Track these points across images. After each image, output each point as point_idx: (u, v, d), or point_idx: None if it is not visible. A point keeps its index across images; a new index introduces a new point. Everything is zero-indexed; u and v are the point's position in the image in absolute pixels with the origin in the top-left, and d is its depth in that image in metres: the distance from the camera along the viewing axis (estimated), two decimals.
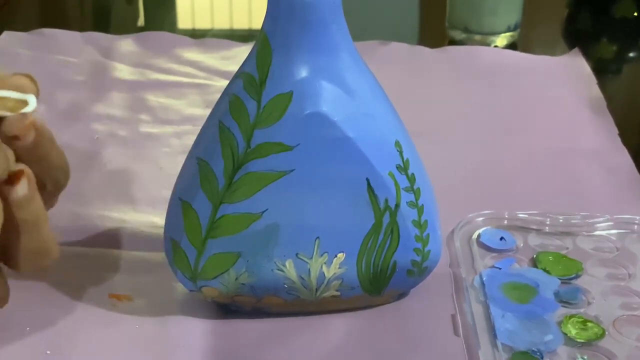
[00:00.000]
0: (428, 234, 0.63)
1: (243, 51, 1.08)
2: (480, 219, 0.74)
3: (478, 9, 1.13)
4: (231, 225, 0.60)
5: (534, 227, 0.74)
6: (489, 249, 0.71)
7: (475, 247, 0.71)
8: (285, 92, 0.57)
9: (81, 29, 1.12)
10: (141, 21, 1.27)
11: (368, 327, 0.64)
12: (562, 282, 0.67)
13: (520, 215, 0.74)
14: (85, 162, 0.85)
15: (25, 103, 0.55)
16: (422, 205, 0.62)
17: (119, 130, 0.92)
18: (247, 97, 0.58)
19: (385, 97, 0.62)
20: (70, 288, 0.67)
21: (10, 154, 0.54)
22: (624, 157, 0.86)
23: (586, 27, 1.27)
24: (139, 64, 1.06)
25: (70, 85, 1.01)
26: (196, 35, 1.14)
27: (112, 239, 0.74)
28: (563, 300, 0.66)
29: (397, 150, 0.60)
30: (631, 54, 1.21)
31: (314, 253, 0.61)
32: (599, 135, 0.91)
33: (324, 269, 0.62)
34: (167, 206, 0.63)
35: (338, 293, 0.63)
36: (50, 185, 0.60)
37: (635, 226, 0.73)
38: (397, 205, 0.60)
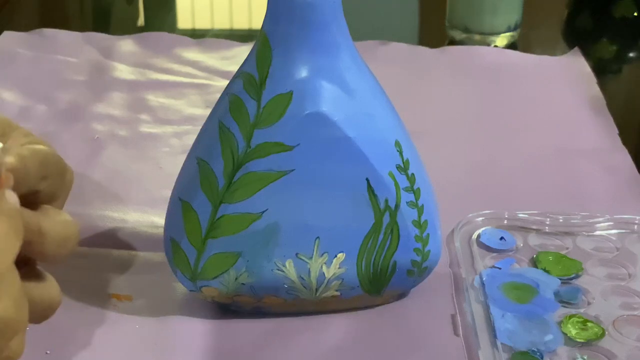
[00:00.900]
0: (428, 234, 0.63)
1: (243, 51, 1.08)
2: (480, 219, 0.74)
3: (478, 8, 1.13)
4: (231, 225, 0.60)
5: (534, 227, 0.74)
6: (489, 249, 0.71)
7: (475, 247, 0.71)
8: (285, 92, 0.57)
9: (81, 29, 1.12)
10: (141, 21, 1.27)
11: (368, 327, 0.64)
12: (562, 282, 0.67)
13: (520, 215, 0.74)
14: (85, 162, 0.85)
15: None
16: (422, 205, 0.62)
17: (119, 130, 0.92)
18: (247, 97, 0.58)
19: (385, 97, 0.62)
20: (70, 288, 0.66)
21: None
22: (624, 157, 0.86)
23: (586, 27, 1.27)
24: (139, 64, 1.06)
25: (70, 85, 1.01)
26: (196, 35, 1.14)
27: (112, 239, 0.74)
28: (563, 300, 0.65)
29: (397, 150, 0.60)
30: (631, 54, 1.21)
31: (314, 253, 0.61)
32: (599, 135, 0.91)
33: (324, 269, 0.62)
34: (167, 206, 0.63)
35: (338, 293, 0.63)
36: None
37: (635, 226, 0.73)
38: (397, 205, 0.61)
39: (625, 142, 0.89)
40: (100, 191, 0.81)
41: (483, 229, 0.73)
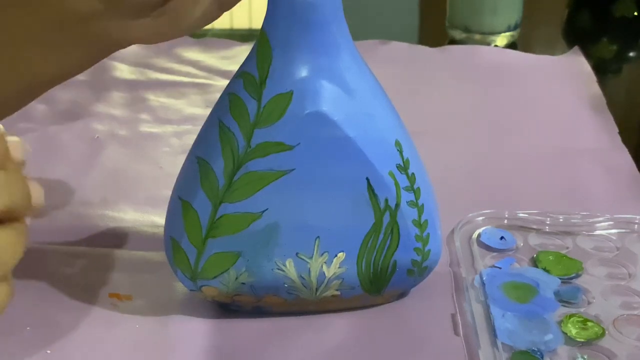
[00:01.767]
0: (428, 234, 0.63)
1: (243, 51, 1.08)
2: (480, 218, 0.74)
3: (478, 8, 1.13)
4: (231, 224, 0.60)
5: (534, 226, 0.74)
6: (489, 248, 0.71)
7: (475, 247, 0.71)
8: (286, 92, 0.57)
9: None
10: None
11: (368, 327, 0.64)
12: (562, 282, 0.67)
13: (520, 214, 0.74)
14: (85, 162, 0.85)
15: None
16: (422, 204, 0.62)
17: (119, 129, 0.92)
18: (248, 96, 0.58)
19: (385, 97, 0.62)
20: (70, 288, 0.67)
21: None
22: (624, 157, 0.86)
23: (586, 27, 1.27)
24: (139, 64, 1.06)
25: (70, 84, 0.99)
26: (196, 34, 1.15)
27: (112, 238, 0.74)
28: (563, 299, 0.65)
29: (397, 150, 0.60)
30: (631, 54, 1.21)
31: (314, 253, 0.61)
32: (599, 134, 0.91)
33: (324, 268, 0.62)
34: (167, 206, 0.63)
35: (338, 293, 0.63)
36: None
37: (635, 226, 0.73)
38: (397, 205, 0.60)
39: (625, 141, 0.89)
40: (100, 191, 0.81)
41: (483, 228, 0.73)
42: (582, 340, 0.62)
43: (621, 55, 1.20)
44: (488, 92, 1.01)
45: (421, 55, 1.10)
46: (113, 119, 0.94)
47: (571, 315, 0.63)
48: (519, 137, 0.91)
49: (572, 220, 0.74)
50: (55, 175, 0.83)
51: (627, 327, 0.63)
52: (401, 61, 1.07)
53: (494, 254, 0.71)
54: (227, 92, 0.60)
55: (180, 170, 0.62)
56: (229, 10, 0.62)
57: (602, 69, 1.07)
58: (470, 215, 0.74)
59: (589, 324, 0.63)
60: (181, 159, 0.63)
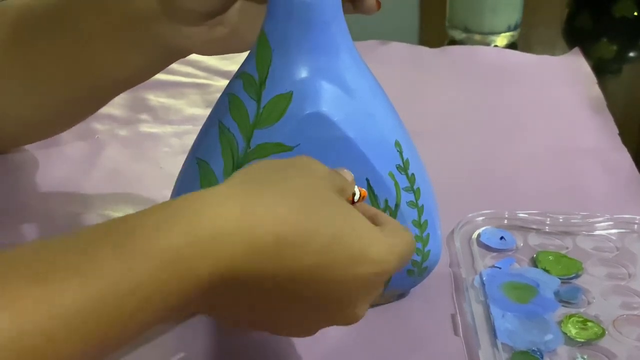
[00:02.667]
0: (428, 234, 0.63)
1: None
2: (480, 218, 0.74)
3: (478, 8, 1.13)
4: None
5: (534, 226, 0.74)
6: (489, 248, 0.71)
7: (475, 247, 0.71)
8: (285, 93, 0.57)
9: None
10: None
11: (368, 327, 0.63)
12: (562, 282, 0.67)
13: (520, 215, 0.74)
14: (86, 162, 0.85)
15: None
16: (422, 205, 0.62)
17: (119, 130, 0.92)
18: (247, 97, 0.58)
19: (385, 97, 0.62)
20: None
21: None
22: (624, 157, 0.86)
23: (586, 27, 1.27)
24: None
25: None
26: None
27: None
28: (563, 299, 0.66)
29: (397, 150, 0.60)
30: (631, 54, 1.21)
31: None
32: (599, 134, 0.91)
33: None
34: None
35: None
36: None
37: (635, 226, 0.74)
38: (397, 205, 0.60)
39: (625, 142, 0.89)
40: (100, 191, 0.81)
41: (483, 228, 0.73)
42: (582, 340, 0.62)
43: (621, 55, 1.20)
44: (488, 92, 1.01)
45: (421, 56, 1.10)
46: (113, 119, 0.93)
47: (571, 316, 0.63)
48: (519, 138, 0.91)
49: (572, 221, 0.74)
50: (56, 175, 0.83)
51: (627, 327, 0.63)
52: (401, 62, 1.07)
53: (494, 254, 0.71)
54: (227, 93, 0.60)
55: (180, 171, 0.62)
56: None
57: (602, 69, 1.07)
58: (470, 215, 0.74)
59: (589, 324, 0.63)
60: (181, 159, 0.63)
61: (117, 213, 0.77)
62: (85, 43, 0.68)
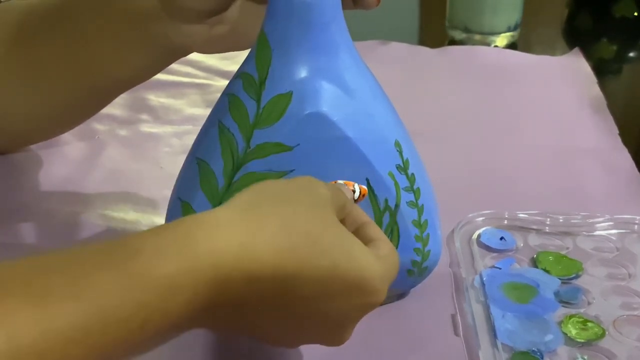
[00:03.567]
0: (428, 234, 0.63)
1: (243, 51, 1.08)
2: (480, 219, 0.74)
3: (478, 8, 1.13)
4: None
5: (534, 227, 0.74)
6: (489, 249, 0.71)
7: (475, 247, 0.71)
8: (285, 92, 0.57)
9: None
10: None
11: (368, 327, 0.62)
12: (562, 282, 0.67)
13: (520, 215, 0.74)
14: (86, 162, 0.85)
15: None
16: (422, 205, 0.62)
17: (119, 130, 0.92)
18: (247, 97, 0.58)
19: (385, 97, 0.62)
20: None
21: None
22: (625, 157, 0.86)
23: (586, 27, 1.27)
24: None
25: None
26: None
27: (112, 238, 0.73)
28: (563, 300, 0.66)
29: (397, 150, 0.60)
30: (631, 54, 1.21)
31: None
32: (599, 135, 0.91)
33: None
34: (167, 206, 0.63)
35: None
36: None
37: (635, 226, 0.74)
38: (397, 205, 0.60)
39: (625, 142, 0.89)
40: (100, 191, 0.81)
41: (483, 229, 0.73)
42: (582, 340, 0.62)
43: (621, 56, 1.20)
44: (488, 92, 1.01)
45: (421, 56, 1.10)
46: (113, 119, 0.93)
47: (571, 316, 0.63)
48: (519, 138, 0.91)
49: (572, 221, 0.74)
50: (56, 175, 0.83)
51: (627, 327, 0.63)
52: (401, 62, 1.07)
53: (494, 254, 0.71)
54: (227, 93, 0.60)
55: (180, 171, 0.62)
56: None
57: (602, 69, 1.08)
58: (470, 215, 0.74)
59: (589, 324, 0.63)
60: (182, 159, 0.63)
61: (118, 213, 0.77)
62: (87, 43, 0.69)
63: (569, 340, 0.62)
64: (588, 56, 1.07)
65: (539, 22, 1.25)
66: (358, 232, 0.53)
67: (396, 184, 0.60)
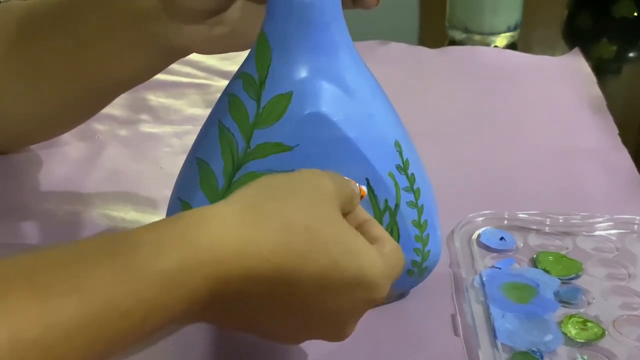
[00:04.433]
0: (428, 234, 0.63)
1: (243, 51, 1.08)
2: (480, 219, 0.74)
3: (478, 8, 1.14)
4: None
5: (534, 227, 0.74)
6: (489, 249, 0.72)
7: (475, 247, 0.71)
8: (285, 93, 0.57)
9: None
10: None
11: (368, 326, 0.62)
12: (562, 282, 0.67)
13: (520, 215, 0.74)
14: (86, 162, 0.85)
15: None
16: (422, 205, 0.62)
17: (119, 130, 0.92)
18: (247, 97, 0.58)
19: (385, 97, 0.62)
20: None
21: None
22: (624, 157, 0.87)
23: (586, 27, 1.27)
24: None
25: None
26: None
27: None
28: (563, 300, 0.66)
29: (397, 150, 0.60)
30: (631, 54, 1.21)
31: None
32: (599, 135, 0.91)
33: None
34: (167, 206, 0.63)
35: None
36: None
37: (635, 226, 0.74)
38: (396, 206, 0.61)
39: (625, 142, 0.89)
40: (100, 191, 0.81)
41: (483, 229, 0.74)
42: (582, 340, 0.62)
43: (621, 56, 1.20)
44: (488, 92, 1.01)
45: (421, 56, 1.10)
46: (113, 120, 0.94)
47: (571, 316, 0.64)
48: (519, 138, 0.91)
49: (572, 221, 0.74)
50: (56, 175, 0.83)
51: (627, 327, 0.63)
52: (401, 62, 1.08)
53: (494, 254, 0.71)
54: (227, 93, 0.60)
55: (180, 171, 0.63)
56: None
57: (602, 69, 1.08)
58: (470, 215, 0.74)
59: (589, 324, 0.63)
60: (182, 159, 0.63)
61: (118, 213, 0.77)
62: (87, 43, 0.69)
63: (569, 340, 0.62)
64: (588, 56, 1.07)
65: (539, 22, 1.25)
66: (361, 228, 0.53)
67: (396, 184, 0.60)
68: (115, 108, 0.95)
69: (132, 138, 0.91)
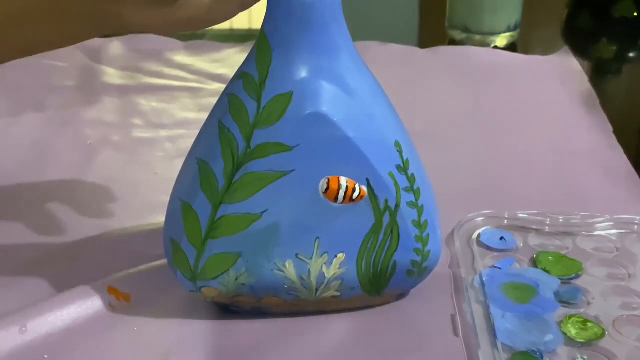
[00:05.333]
0: (428, 234, 0.65)
1: (233, 53, 1.11)
2: (480, 219, 0.76)
3: (478, 8, 1.16)
4: (231, 225, 0.62)
5: (534, 227, 0.76)
6: (489, 248, 0.73)
7: (475, 247, 0.73)
8: (285, 93, 0.59)
9: None
10: None
11: (368, 327, 0.66)
12: (562, 282, 0.69)
13: (520, 215, 0.76)
14: (80, 169, 0.87)
15: None
16: (422, 205, 0.64)
17: (111, 135, 0.94)
18: (247, 97, 0.60)
19: (385, 97, 0.64)
20: (67, 289, 0.68)
21: None
22: (620, 156, 0.89)
23: (586, 27, 1.30)
24: (128, 68, 1.09)
25: (60, 90, 1.03)
26: (196, 35, 1.17)
27: (112, 239, 0.76)
28: (563, 300, 0.67)
29: (397, 151, 0.62)
30: (631, 54, 1.24)
31: (314, 253, 0.63)
32: (595, 133, 0.93)
33: (324, 269, 0.64)
34: (165, 211, 0.65)
35: (338, 293, 0.65)
36: None
37: (635, 226, 0.76)
38: (397, 206, 0.63)
39: (625, 142, 0.91)
40: (96, 198, 0.83)
41: (483, 229, 0.76)
42: (582, 340, 0.63)
43: (621, 56, 1.22)
44: (482, 92, 1.04)
45: (420, 57, 1.13)
46: (105, 125, 0.96)
47: (571, 316, 0.65)
48: (519, 138, 0.93)
49: (572, 221, 0.76)
50: (49, 182, 0.85)
51: (627, 327, 0.65)
52: (401, 62, 1.11)
53: (494, 254, 0.73)
54: (227, 93, 0.62)
55: (180, 172, 0.64)
56: None
57: (602, 69, 1.10)
58: (470, 215, 0.76)
59: (589, 324, 0.65)
60: (176, 164, 0.65)
61: (114, 219, 0.79)
62: (26, 16, 0.64)
63: (569, 341, 0.63)
64: (588, 56, 1.10)
65: (539, 22, 1.27)
66: None
67: (396, 184, 0.62)
68: (106, 113, 0.98)
69: (125, 143, 0.92)
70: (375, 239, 0.64)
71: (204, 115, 0.64)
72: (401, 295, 0.69)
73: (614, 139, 0.92)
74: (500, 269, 0.71)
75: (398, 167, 0.63)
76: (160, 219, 0.66)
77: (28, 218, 0.79)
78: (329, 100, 0.60)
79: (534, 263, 0.72)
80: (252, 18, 1.26)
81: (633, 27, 1.28)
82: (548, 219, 0.76)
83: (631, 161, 0.88)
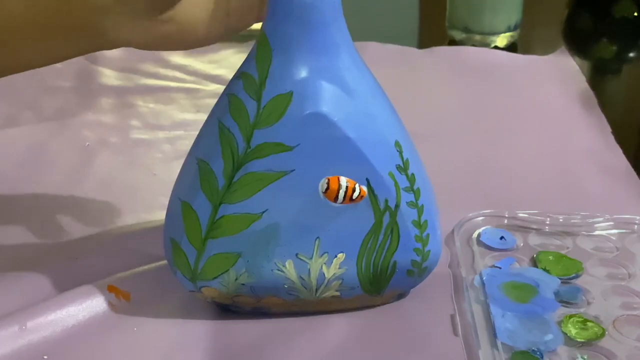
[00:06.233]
0: (428, 234, 0.65)
1: (230, 54, 1.12)
2: (480, 218, 0.77)
3: (478, 8, 1.17)
4: (231, 225, 0.62)
5: (534, 226, 0.77)
6: (489, 248, 0.74)
7: (475, 247, 0.74)
8: (285, 93, 0.60)
9: None
10: None
11: (368, 327, 0.67)
12: (562, 282, 0.70)
13: (520, 214, 0.77)
14: (78, 171, 0.88)
15: None
16: (422, 205, 0.65)
17: (109, 137, 0.95)
18: (247, 97, 0.61)
19: (385, 97, 0.65)
20: (67, 289, 0.69)
21: None
22: (619, 155, 0.90)
23: (586, 27, 1.31)
24: (125, 69, 1.09)
25: (57, 91, 1.04)
26: None
27: (111, 239, 0.77)
28: (563, 299, 0.68)
29: (397, 151, 0.63)
30: (631, 54, 1.24)
31: (314, 253, 0.64)
32: (594, 133, 0.94)
33: (324, 269, 0.64)
34: (164, 212, 0.66)
35: (338, 293, 0.66)
36: None
37: (635, 226, 0.76)
38: (397, 206, 0.63)
39: (625, 142, 0.92)
40: (94, 200, 0.83)
41: (483, 228, 0.76)
42: (582, 340, 0.64)
43: (621, 56, 1.23)
44: (481, 92, 1.05)
45: (419, 57, 1.14)
46: (102, 126, 0.96)
47: (571, 316, 0.66)
48: (519, 137, 0.94)
49: (572, 221, 0.77)
50: (47, 185, 0.86)
51: (627, 327, 0.65)
52: (400, 62, 1.11)
53: (494, 254, 0.74)
54: (227, 93, 0.62)
55: (180, 172, 0.65)
56: None
57: (602, 69, 1.11)
58: (470, 215, 0.77)
59: (589, 324, 0.65)
60: (175, 165, 0.66)
61: (112, 225, 0.80)
62: (13, 30, 0.64)
63: (569, 340, 0.64)
64: (588, 56, 1.11)
65: (539, 22, 1.28)
66: None
67: (396, 184, 0.63)
68: (103, 114, 0.98)
69: (123, 145, 0.93)
70: (375, 239, 0.64)
71: (202, 116, 0.64)
72: (401, 295, 0.69)
73: (611, 138, 0.93)
74: (500, 268, 0.72)
75: (398, 167, 0.63)
76: (159, 218, 0.67)
77: (27, 219, 0.80)
78: (329, 100, 0.61)
79: (534, 263, 0.73)
80: None
81: (633, 27, 1.28)
82: (548, 219, 0.77)
83: (630, 161, 0.89)
